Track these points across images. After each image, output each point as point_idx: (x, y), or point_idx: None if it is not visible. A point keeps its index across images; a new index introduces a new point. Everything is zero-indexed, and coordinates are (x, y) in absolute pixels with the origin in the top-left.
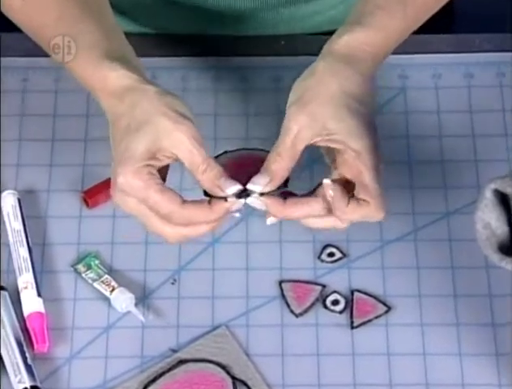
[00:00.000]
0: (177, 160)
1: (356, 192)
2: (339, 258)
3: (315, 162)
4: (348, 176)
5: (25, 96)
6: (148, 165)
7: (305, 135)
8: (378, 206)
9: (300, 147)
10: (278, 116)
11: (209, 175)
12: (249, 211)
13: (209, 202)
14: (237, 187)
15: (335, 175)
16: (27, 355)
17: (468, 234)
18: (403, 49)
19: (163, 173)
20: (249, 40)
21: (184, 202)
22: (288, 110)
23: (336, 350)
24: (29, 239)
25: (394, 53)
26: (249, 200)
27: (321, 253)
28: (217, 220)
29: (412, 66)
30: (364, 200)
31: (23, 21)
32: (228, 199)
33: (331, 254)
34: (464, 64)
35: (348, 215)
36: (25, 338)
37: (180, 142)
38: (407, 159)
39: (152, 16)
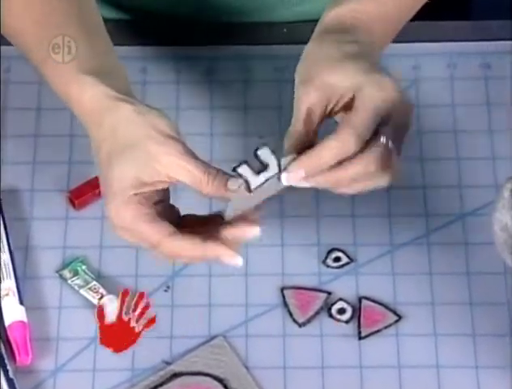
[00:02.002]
0: (175, 182)
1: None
2: (346, 263)
3: None
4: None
5: (6, 88)
6: (137, 194)
7: (317, 111)
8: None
9: (315, 124)
10: (280, 109)
11: (214, 184)
12: None
13: (204, 238)
14: (239, 182)
15: None
16: (9, 368)
17: (485, 237)
18: (414, 36)
19: (161, 194)
20: (248, 27)
21: (174, 233)
22: (295, 93)
23: (342, 362)
24: (11, 243)
25: (405, 41)
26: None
27: (326, 257)
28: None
29: (425, 56)
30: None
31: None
32: (225, 249)
33: (337, 259)
34: (481, 53)
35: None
36: (6, 349)
37: (172, 164)
38: (420, 156)
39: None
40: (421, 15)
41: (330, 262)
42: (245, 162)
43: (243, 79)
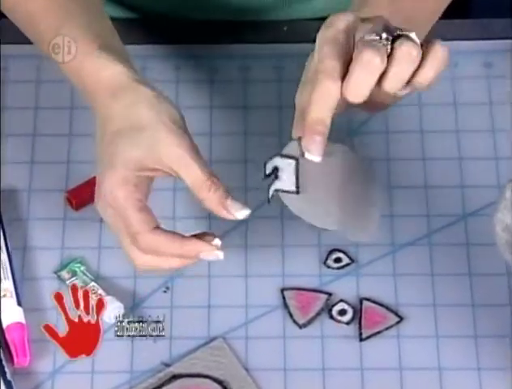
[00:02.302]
0: (172, 175)
1: None
2: (347, 264)
3: None
4: None
5: (4, 87)
6: (137, 176)
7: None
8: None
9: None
10: (280, 109)
11: (215, 194)
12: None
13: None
14: (247, 212)
15: None
16: (7, 370)
17: (487, 238)
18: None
19: (146, 187)
20: (248, 25)
21: (156, 228)
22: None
23: (343, 364)
24: (8, 243)
25: None
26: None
27: (327, 258)
28: (187, 259)
29: None
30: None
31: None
32: (211, 243)
33: (338, 260)
34: (483, 52)
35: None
36: (4, 351)
37: (181, 158)
38: (421, 156)
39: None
40: None
41: (330, 262)
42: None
43: (243, 78)
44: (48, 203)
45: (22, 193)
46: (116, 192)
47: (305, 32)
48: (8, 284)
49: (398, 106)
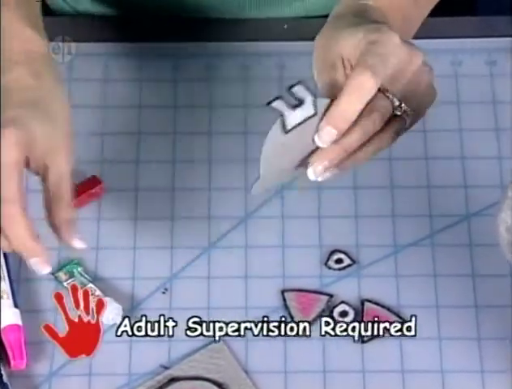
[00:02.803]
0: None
1: None
2: (348, 265)
3: None
4: None
5: None
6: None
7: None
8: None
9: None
10: None
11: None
12: (248, 212)
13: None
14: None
15: None
16: (3, 372)
17: (490, 238)
18: (418, 33)
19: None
20: (248, 23)
21: (24, 208)
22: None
23: (345, 366)
24: None
25: None
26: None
27: (328, 259)
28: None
29: (429, 53)
30: None
31: None
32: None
33: (339, 261)
34: (487, 50)
35: None
36: (1, 353)
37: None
38: (424, 155)
39: None
40: None
41: (332, 263)
42: (280, 97)
43: (242, 77)
44: None
45: None
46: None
47: (305, 30)
48: (4, 286)
49: None
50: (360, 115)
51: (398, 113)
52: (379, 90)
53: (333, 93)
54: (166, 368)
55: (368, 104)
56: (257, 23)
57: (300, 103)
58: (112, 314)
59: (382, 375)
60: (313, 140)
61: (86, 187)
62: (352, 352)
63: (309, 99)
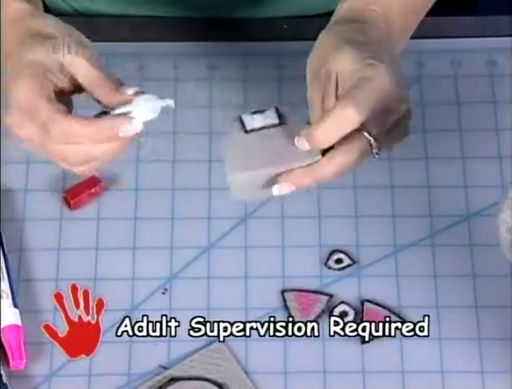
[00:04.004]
0: (72, 83)
1: None
2: (348, 265)
3: None
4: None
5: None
6: (44, 77)
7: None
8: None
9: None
10: None
11: (106, 87)
12: (248, 212)
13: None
14: (135, 89)
15: None
16: (3, 372)
17: (491, 239)
18: (418, 32)
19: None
20: (248, 23)
21: (69, 113)
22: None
23: (345, 367)
24: (4, 244)
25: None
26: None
27: (328, 259)
28: (108, 140)
29: (429, 53)
30: None
31: None
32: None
33: (339, 261)
34: (487, 50)
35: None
36: (0, 354)
37: (82, 64)
38: (424, 155)
39: None
40: None
41: (331, 264)
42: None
43: (243, 76)
44: (44, 203)
45: (18, 193)
46: (23, 90)
47: (305, 29)
48: (4, 286)
49: None
50: (339, 145)
51: (372, 152)
52: (360, 127)
53: (318, 101)
54: (166, 368)
55: (346, 137)
56: (256, 23)
57: (260, 111)
58: (146, 110)
59: (382, 375)
60: (282, 148)
61: (85, 187)
62: (352, 352)
63: (271, 109)
